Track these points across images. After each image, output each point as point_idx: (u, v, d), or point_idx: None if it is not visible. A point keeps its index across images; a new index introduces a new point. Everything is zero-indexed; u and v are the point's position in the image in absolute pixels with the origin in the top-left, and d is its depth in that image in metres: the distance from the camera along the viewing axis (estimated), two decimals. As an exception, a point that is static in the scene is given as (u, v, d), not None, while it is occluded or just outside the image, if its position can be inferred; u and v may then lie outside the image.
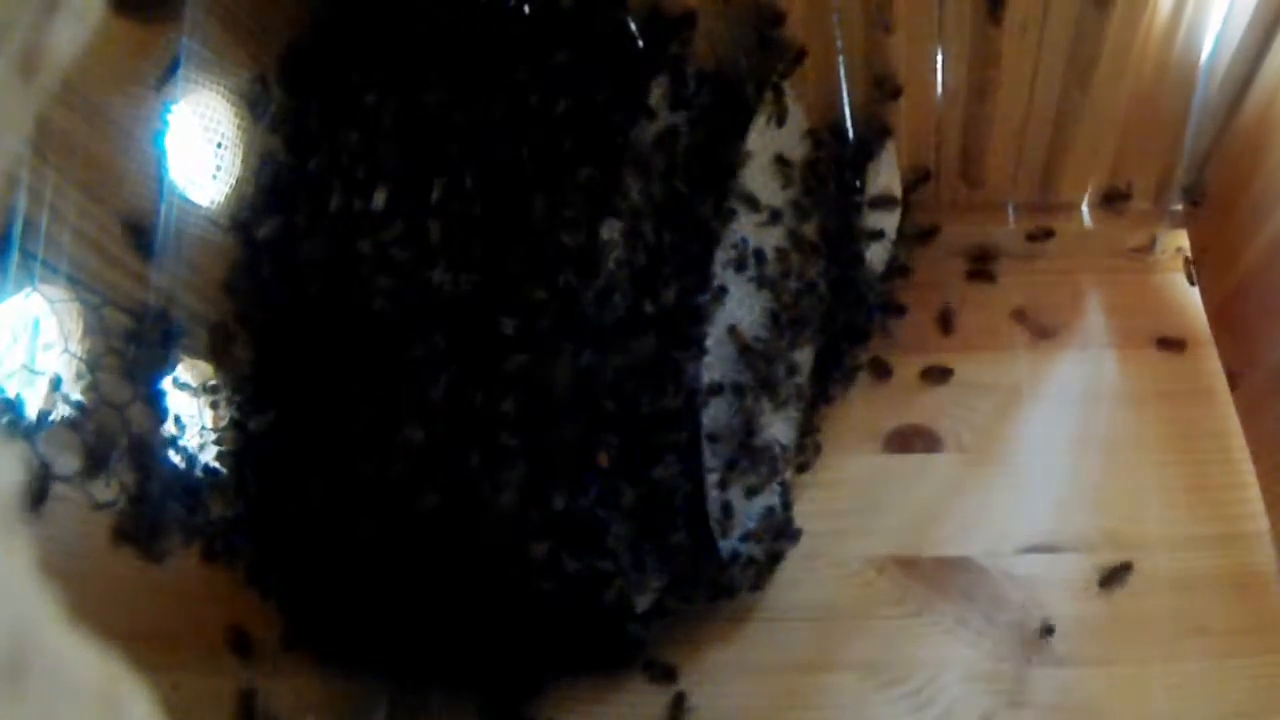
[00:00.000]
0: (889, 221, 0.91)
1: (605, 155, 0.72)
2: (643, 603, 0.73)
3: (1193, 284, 0.96)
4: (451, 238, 0.69)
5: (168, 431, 0.61)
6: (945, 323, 0.95)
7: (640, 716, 0.78)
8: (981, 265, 0.99)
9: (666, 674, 0.79)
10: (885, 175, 0.91)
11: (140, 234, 0.58)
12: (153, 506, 0.57)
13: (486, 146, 0.71)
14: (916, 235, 0.97)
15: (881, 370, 0.93)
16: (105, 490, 0.55)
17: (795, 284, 0.81)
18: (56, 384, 0.53)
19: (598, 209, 0.71)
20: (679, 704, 0.77)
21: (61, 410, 0.53)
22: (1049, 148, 0.95)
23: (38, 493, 0.50)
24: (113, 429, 0.56)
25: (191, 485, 0.62)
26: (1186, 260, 0.96)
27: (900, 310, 0.96)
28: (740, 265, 0.77)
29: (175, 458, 0.61)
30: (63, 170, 0.53)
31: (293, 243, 0.68)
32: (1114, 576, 0.80)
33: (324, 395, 0.67)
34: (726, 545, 0.76)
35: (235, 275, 0.67)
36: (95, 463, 0.54)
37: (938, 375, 0.93)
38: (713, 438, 0.75)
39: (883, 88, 0.88)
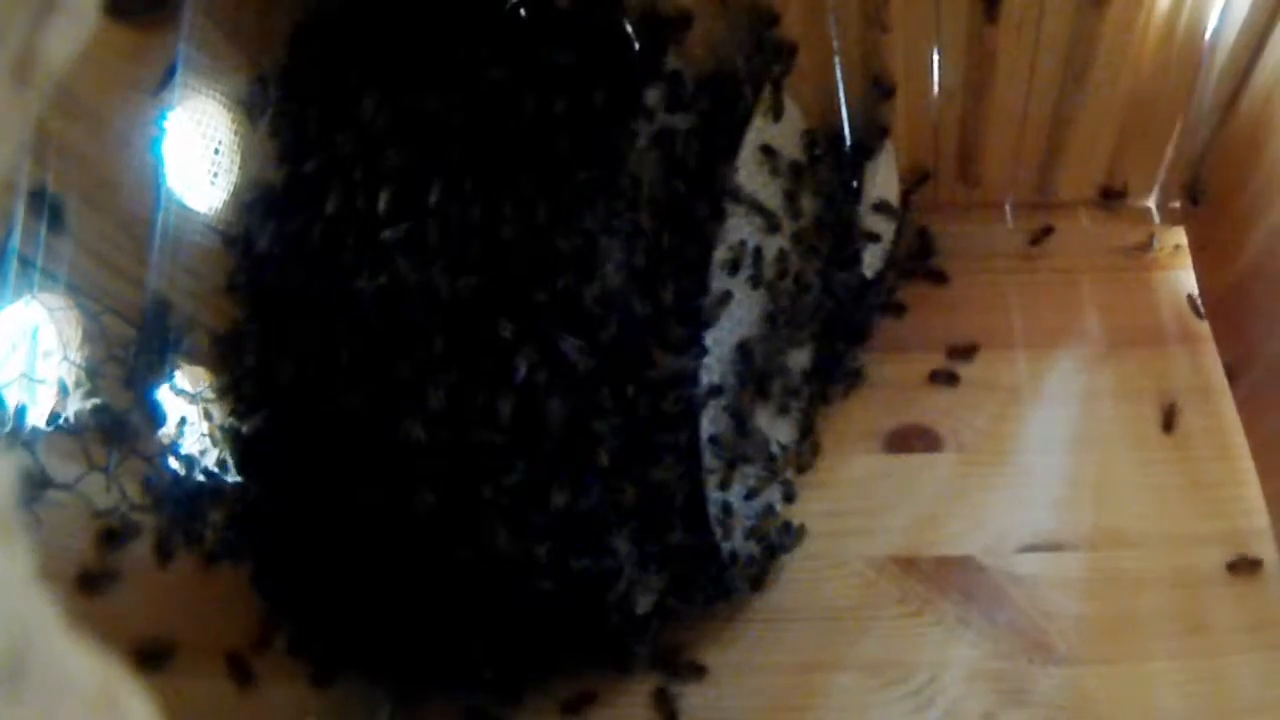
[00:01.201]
0: (887, 224, 0.91)
1: (603, 157, 0.72)
2: (644, 603, 0.73)
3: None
4: (450, 240, 0.69)
5: (167, 437, 0.61)
6: (950, 375, 0.94)
7: (641, 717, 0.78)
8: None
9: (694, 671, 0.79)
10: (883, 176, 0.91)
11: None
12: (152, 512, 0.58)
13: (484, 148, 0.71)
14: (915, 235, 0.97)
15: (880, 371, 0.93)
16: (105, 497, 0.55)
17: (793, 284, 0.81)
18: (59, 391, 0.53)
19: (596, 211, 0.71)
20: (663, 698, 0.77)
21: (61, 417, 0.53)
22: (1047, 147, 0.95)
23: (38, 498, 0.50)
24: (112, 435, 0.56)
25: (192, 490, 0.62)
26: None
27: (900, 310, 0.96)
28: (739, 266, 0.77)
29: (175, 463, 0.61)
30: (60, 176, 0.53)
31: (290, 244, 0.68)
32: (1242, 567, 0.79)
33: (323, 398, 0.67)
34: (727, 546, 0.76)
35: (234, 278, 0.68)
36: (95, 469, 0.54)
37: (944, 378, 0.93)
38: (713, 439, 0.75)
39: (880, 87, 0.89)
